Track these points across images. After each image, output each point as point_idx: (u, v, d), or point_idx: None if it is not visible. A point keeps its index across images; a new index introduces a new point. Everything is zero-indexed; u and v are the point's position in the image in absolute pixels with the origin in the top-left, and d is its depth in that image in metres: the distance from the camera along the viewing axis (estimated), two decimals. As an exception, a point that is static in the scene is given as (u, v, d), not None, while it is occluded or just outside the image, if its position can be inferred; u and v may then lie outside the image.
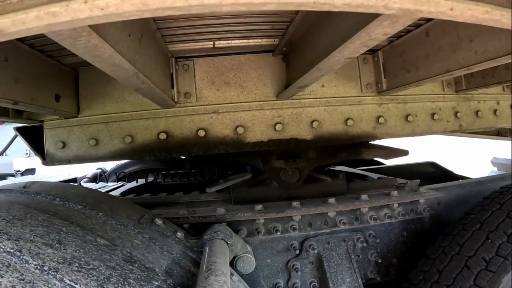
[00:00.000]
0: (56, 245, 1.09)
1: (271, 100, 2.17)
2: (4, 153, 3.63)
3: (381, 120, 2.28)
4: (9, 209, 1.26)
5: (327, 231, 2.26)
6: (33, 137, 2.17)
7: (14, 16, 0.56)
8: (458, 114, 2.45)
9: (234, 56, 2.15)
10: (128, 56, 1.12)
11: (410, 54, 1.90)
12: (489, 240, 1.87)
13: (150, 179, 3.47)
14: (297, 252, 2.20)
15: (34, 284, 0.92)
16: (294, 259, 2.20)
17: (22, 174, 6.31)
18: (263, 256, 2.19)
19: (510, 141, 4.16)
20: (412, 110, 2.35)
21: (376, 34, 0.98)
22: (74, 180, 4.61)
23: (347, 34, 1.08)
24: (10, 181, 4.97)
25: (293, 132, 2.19)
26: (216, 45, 1.97)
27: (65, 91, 1.98)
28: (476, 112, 2.52)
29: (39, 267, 0.97)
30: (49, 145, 2.12)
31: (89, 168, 4.72)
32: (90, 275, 1.01)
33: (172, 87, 2.04)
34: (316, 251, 2.18)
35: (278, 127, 2.15)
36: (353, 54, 1.21)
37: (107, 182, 3.84)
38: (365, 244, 2.27)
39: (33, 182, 1.75)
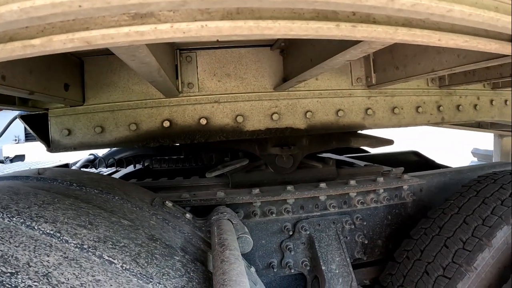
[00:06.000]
0: (89, 226, 1.20)
1: (269, 91, 2.29)
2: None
3: (369, 111, 2.42)
4: (36, 194, 1.32)
5: (318, 213, 2.41)
6: (37, 124, 2.23)
7: (106, 31, 0.66)
8: (441, 108, 2.61)
9: (234, 49, 2.26)
10: (155, 54, 1.23)
11: (399, 52, 2.02)
12: (466, 223, 2.03)
13: (144, 164, 3.57)
14: (290, 233, 2.34)
15: (77, 261, 1.02)
16: (287, 240, 2.34)
17: (12, 160, 6.24)
18: (259, 237, 2.32)
19: (491, 133, 4.36)
20: (399, 103, 2.49)
21: (376, 45, 1.13)
22: (66, 166, 4.65)
23: (350, 42, 1.22)
24: (14, 168, 4.97)
25: (289, 122, 2.31)
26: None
27: (72, 80, 2.04)
28: (458, 107, 2.68)
29: (79, 246, 1.05)
30: (54, 132, 2.19)
31: (80, 154, 4.76)
32: (123, 252, 1.13)
33: (177, 77, 2.15)
34: (307, 233, 2.33)
35: (275, 116, 2.27)
36: (353, 58, 1.35)
37: (106, 167, 3.92)
38: (352, 226, 2.42)
39: (45, 169, 1.82)
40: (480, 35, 0.91)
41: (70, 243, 1.08)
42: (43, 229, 1.09)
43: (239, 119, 2.23)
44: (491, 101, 2.86)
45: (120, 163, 3.91)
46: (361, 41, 1.14)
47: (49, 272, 0.95)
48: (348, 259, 2.28)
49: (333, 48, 1.39)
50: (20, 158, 6.48)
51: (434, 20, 0.78)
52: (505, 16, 0.83)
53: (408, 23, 0.77)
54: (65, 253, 1.04)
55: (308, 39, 1.75)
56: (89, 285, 0.97)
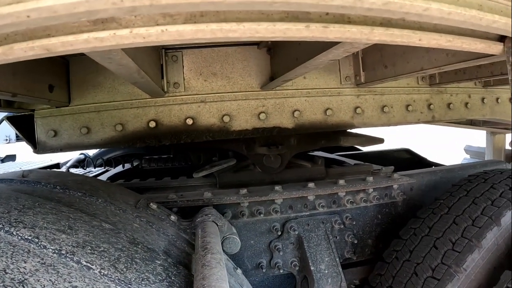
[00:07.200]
0: (68, 230, 1.18)
1: (255, 90, 2.27)
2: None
3: (358, 110, 2.41)
4: (17, 198, 1.30)
5: (307, 213, 2.40)
6: (24, 126, 2.21)
7: (64, 38, 0.64)
8: (431, 106, 2.60)
9: (221, 48, 2.24)
10: (132, 56, 1.21)
11: (387, 51, 2.01)
12: (456, 224, 2.01)
13: (134, 164, 3.55)
14: (279, 233, 2.32)
15: (55, 267, 1.00)
16: (276, 240, 2.32)
17: (3, 160, 6.18)
18: (247, 237, 2.30)
19: (483, 130, 4.36)
20: (388, 102, 2.48)
21: (358, 44, 1.11)
22: (57, 165, 4.62)
23: (332, 42, 1.20)
24: (6, 168, 4.93)
25: (276, 121, 2.30)
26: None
27: (57, 81, 2.02)
28: (448, 105, 2.67)
29: (56, 252, 1.04)
30: (40, 133, 2.17)
31: (71, 154, 4.72)
32: (102, 257, 1.11)
33: (162, 77, 2.13)
34: (296, 233, 2.31)
35: (262, 116, 2.26)
36: (337, 57, 1.34)
37: (94, 167, 3.89)
38: (342, 226, 2.41)
39: (30, 171, 1.80)
40: (465, 35, 0.89)
41: (48, 248, 1.06)
42: (21, 235, 1.08)
43: (226, 118, 2.21)
44: (483, 99, 2.85)
45: (109, 163, 3.88)
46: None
47: (25, 279, 0.93)
48: (337, 259, 2.26)
49: (318, 47, 1.37)
50: (11, 158, 6.41)
51: (413, 20, 0.76)
52: (489, 14, 0.81)
53: (387, 23, 0.75)
54: (42, 259, 1.02)
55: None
56: (64, 292, 0.95)
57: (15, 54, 0.64)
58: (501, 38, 0.97)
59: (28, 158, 6.12)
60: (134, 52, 1.26)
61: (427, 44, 0.82)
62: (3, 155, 6.45)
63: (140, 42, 0.64)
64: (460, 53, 1.55)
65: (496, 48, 0.97)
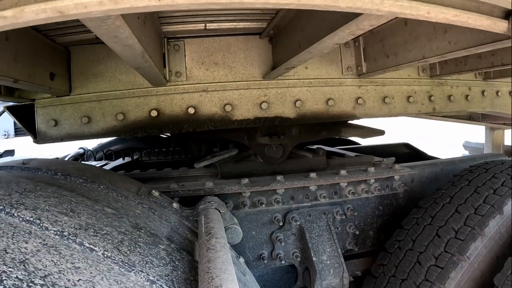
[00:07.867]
0: (70, 213, 1.17)
1: (257, 80, 2.27)
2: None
3: (360, 101, 2.40)
4: (18, 183, 1.30)
5: (309, 204, 2.39)
6: (24, 115, 2.19)
7: (79, 0, 0.63)
8: (432, 98, 2.60)
9: (223, 38, 2.23)
10: (138, 37, 1.20)
11: (389, 41, 2.00)
12: (458, 212, 2.02)
13: (134, 157, 3.54)
14: (281, 224, 2.31)
15: (57, 248, 0.99)
16: (277, 231, 2.32)
17: (1, 156, 6.13)
18: (249, 228, 2.29)
19: (482, 126, 4.36)
20: (389, 93, 2.48)
21: (364, 25, 1.11)
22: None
23: (337, 24, 1.19)
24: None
25: (278, 111, 2.29)
26: (207, 27, 2.06)
27: (58, 70, 2.01)
28: (449, 97, 2.67)
29: (59, 233, 1.03)
30: (40, 123, 2.15)
31: (71, 148, 4.71)
32: (105, 239, 1.10)
33: (164, 66, 2.12)
34: (298, 223, 2.30)
35: (264, 105, 2.25)
36: (342, 40, 1.33)
37: (95, 160, 3.88)
38: (344, 217, 2.40)
39: (31, 159, 1.80)
40: (471, 11, 0.88)
41: (50, 230, 1.05)
42: (22, 216, 1.06)
43: (228, 108, 2.21)
44: (483, 91, 2.85)
45: (109, 157, 3.87)
46: (349, 19, 1.11)
47: (26, 259, 0.92)
48: (339, 250, 2.25)
49: (321, 32, 1.37)
50: (9, 153, 6.36)
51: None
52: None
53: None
54: (44, 240, 1.01)
55: (297, 24, 1.73)
56: (67, 272, 0.94)
57: (26, 17, 0.63)
58: (506, 16, 0.97)
59: (27, 153, 6.09)
60: (139, 33, 1.25)
61: (434, 18, 0.81)
62: (1, 150, 6.40)
63: (155, 5, 0.63)
64: (462, 41, 1.54)
65: (501, 26, 0.97)
